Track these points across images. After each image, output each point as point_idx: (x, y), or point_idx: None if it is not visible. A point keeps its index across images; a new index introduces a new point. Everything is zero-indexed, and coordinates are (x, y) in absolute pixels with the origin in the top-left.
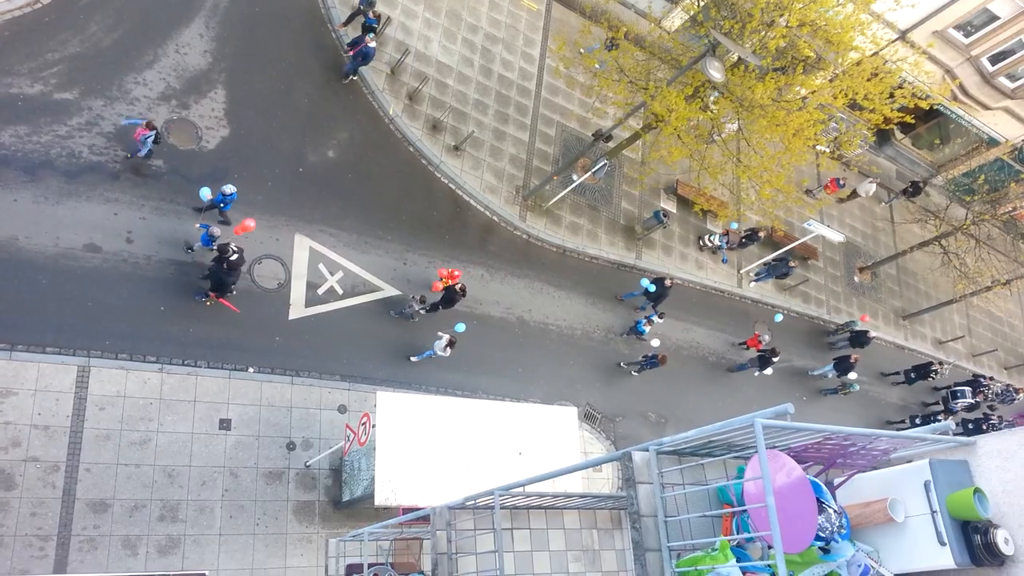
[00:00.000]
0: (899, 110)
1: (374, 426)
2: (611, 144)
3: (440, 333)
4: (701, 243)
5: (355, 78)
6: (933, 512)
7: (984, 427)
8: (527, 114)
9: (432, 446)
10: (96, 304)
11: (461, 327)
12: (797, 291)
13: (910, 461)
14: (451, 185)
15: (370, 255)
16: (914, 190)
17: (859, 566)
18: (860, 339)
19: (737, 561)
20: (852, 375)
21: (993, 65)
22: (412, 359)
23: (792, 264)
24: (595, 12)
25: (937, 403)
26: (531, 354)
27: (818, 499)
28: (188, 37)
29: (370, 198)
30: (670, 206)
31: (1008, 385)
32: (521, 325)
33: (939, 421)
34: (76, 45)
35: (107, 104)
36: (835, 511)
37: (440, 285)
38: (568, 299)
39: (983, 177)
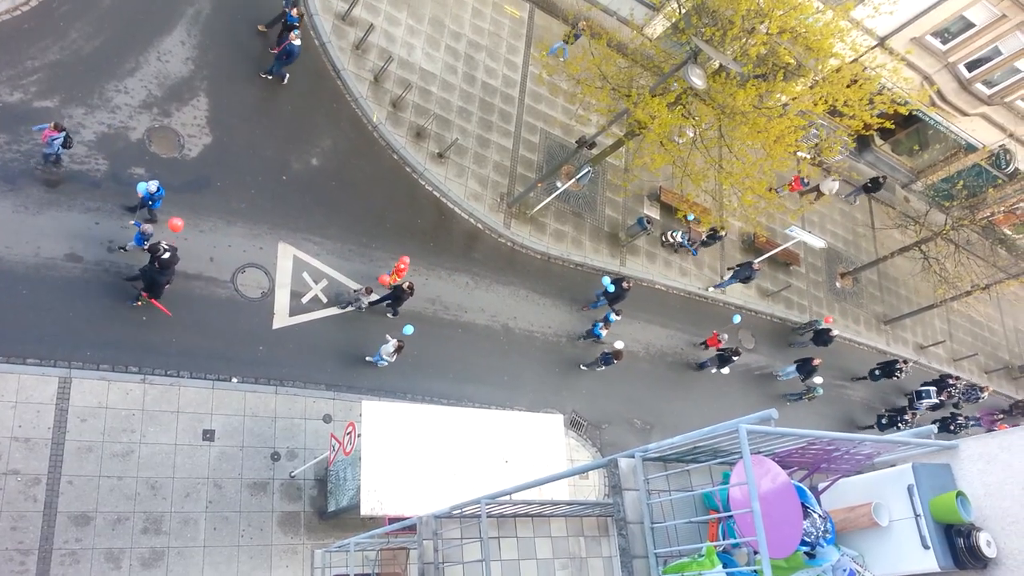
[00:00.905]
0: (878, 116)
1: (359, 435)
2: (594, 151)
3: (388, 336)
4: (664, 239)
5: (283, 78)
6: (917, 516)
7: (951, 427)
8: (511, 121)
9: (418, 455)
10: (77, 314)
11: (409, 329)
12: (780, 297)
13: (894, 465)
14: (435, 192)
15: (355, 263)
16: (874, 186)
17: (844, 570)
18: (822, 338)
19: (724, 567)
20: (817, 379)
21: (970, 72)
22: (368, 359)
23: (756, 267)
24: (577, 18)
25: (905, 404)
26: (517, 362)
27: (803, 504)
28: (170, 44)
29: (354, 206)
30: (653, 212)
31: (973, 384)
32: (506, 332)
33: (905, 420)
34: (56, 52)
35: (88, 112)
36: (820, 516)
37: (387, 279)
38: (553, 306)
39: (962, 183)
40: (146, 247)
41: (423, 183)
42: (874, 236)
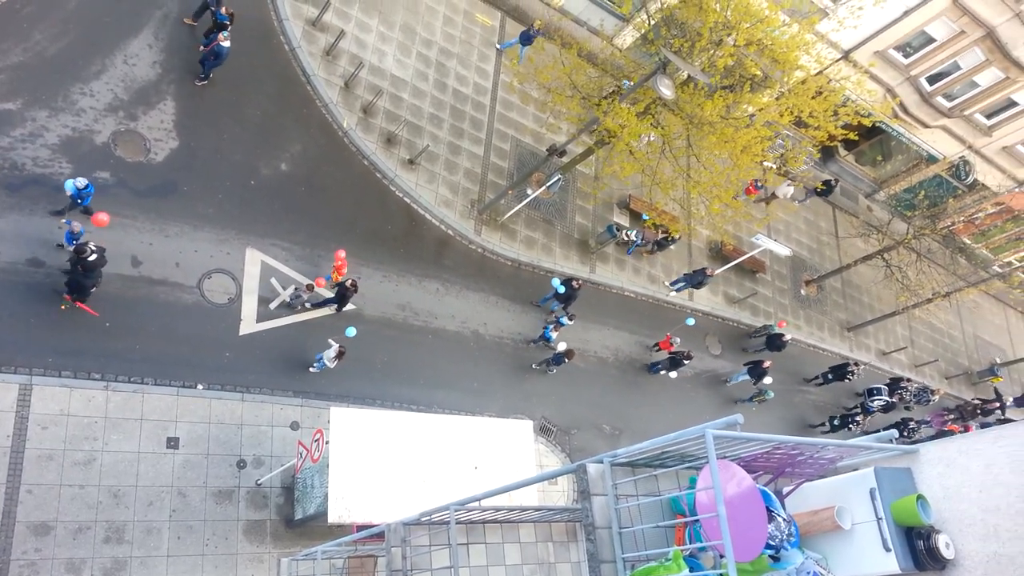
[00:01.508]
0: (843, 127)
1: (327, 442)
2: (565, 159)
3: (331, 341)
4: (618, 238)
5: (205, 81)
6: (879, 519)
7: (903, 431)
8: (482, 128)
9: (387, 462)
10: (39, 320)
11: (351, 331)
12: (746, 303)
13: (856, 469)
14: (406, 199)
15: (324, 269)
16: (827, 189)
17: (808, 573)
18: (776, 343)
19: (690, 570)
20: (767, 380)
21: (931, 85)
22: (311, 369)
23: (709, 273)
24: (548, 28)
25: (856, 407)
26: (487, 368)
27: (768, 508)
28: (136, 48)
29: (324, 212)
30: (623, 220)
31: (925, 386)
32: (477, 339)
33: (856, 421)
34: (19, 54)
35: (52, 115)
36: (784, 519)
37: (324, 283)
38: (523, 313)
39: (923, 193)
40: (74, 247)
41: (394, 189)
42: (838, 245)
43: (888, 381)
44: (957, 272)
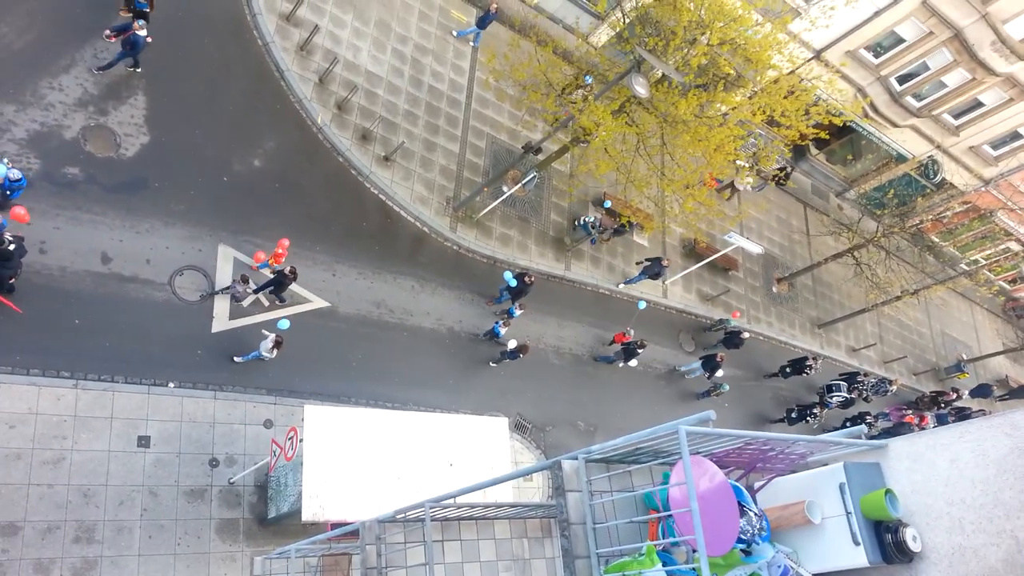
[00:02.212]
0: (814, 126)
1: (301, 440)
2: (540, 156)
3: (265, 332)
4: (575, 223)
5: (137, 70)
6: (848, 513)
7: (861, 425)
8: (457, 126)
9: (361, 459)
10: (6, 319)
11: (285, 324)
12: (719, 301)
13: (826, 464)
14: (381, 196)
15: (298, 266)
16: (785, 177)
17: (779, 567)
18: (733, 340)
19: (663, 565)
20: (719, 373)
21: (901, 85)
22: (236, 359)
23: (665, 263)
24: (524, 26)
25: (814, 403)
26: (462, 365)
27: (739, 503)
28: (107, 41)
29: (298, 208)
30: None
31: (883, 378)
32: (452, 336)
33: (814, 414)
34: None
35: (20, 110)
36: (756, 514)
37: (263, 257)
38: (499, 309)
39: (892, 191)
40: None
41: (368, 186)
42: (809, 243)
43: (845, 375)
44: (925, 270)
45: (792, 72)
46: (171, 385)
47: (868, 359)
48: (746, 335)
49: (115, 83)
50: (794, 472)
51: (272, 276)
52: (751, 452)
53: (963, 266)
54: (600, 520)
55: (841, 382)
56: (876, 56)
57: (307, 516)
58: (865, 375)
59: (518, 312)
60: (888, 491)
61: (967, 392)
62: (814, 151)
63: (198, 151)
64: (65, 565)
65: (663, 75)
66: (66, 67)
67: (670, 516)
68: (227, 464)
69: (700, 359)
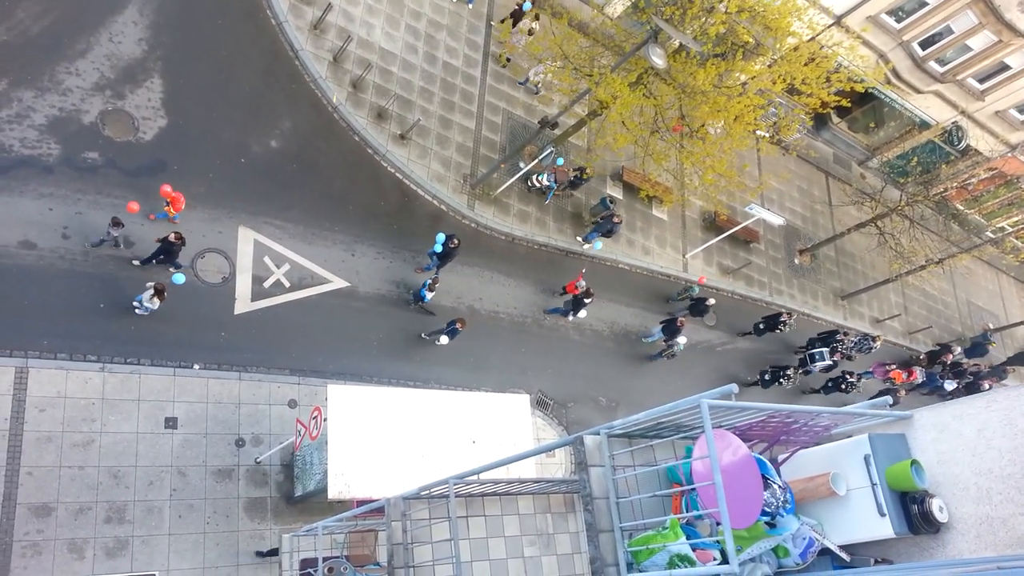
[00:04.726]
0: (835, 94)
1: (325, 419)
2: (557, 131)
3: (148, 284)
4: (529, 184)
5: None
6: (873, 484)
7: (843, 386)
8: (473, 102)
9: (385, 438)
10: (33, 303)
11: (180, 278)
12: (741, 274)
13: (850, 436)
14: (398, 174)
15: (317, 246)
16: (776, 132)
17: (804, 539)
18: (699, 308)
19: (687, 538)
20: (681, 339)
21: (923, 50)
22: (137, 310)
23: (616, 220)
24: None
25: (795, 361)
26: (482, 343)
27: (763, 476)
28: (122, 24)
29: (315, 188)
30: (616, 192)
31: (865, 334)
32: (472, 314)
33: (788, 376)
34: (2, 33)
35: (38, 95)
36: (780, 487)
37: (135, 207)
38: (518, 287)
39: (916, 159)
40: None
41: (385, 165)
42: (831, 213)
43: (824, 334)
44: (950, 238)
45: (812, 39)
46: (196, 367)
47: (893, 329)
48: (712, 301)
49: (131, 67)
50: (818, 444)
51: (158, 245)
52: (774, 425)
53: (989, 234)
54: (623, 494)
55: (824, 350)
56: (898, 20)
57: (333, 494)
58: (845, 334)
59: (430, 294)
60: (914, 462)
61: (960, 349)
62: (836, 119)
63: (215, 133)
64: (98, 545)
65: (680, 45)
66: (82, 52)
67: (693, 490)
68: (253, 444)
69: (660, 323)
